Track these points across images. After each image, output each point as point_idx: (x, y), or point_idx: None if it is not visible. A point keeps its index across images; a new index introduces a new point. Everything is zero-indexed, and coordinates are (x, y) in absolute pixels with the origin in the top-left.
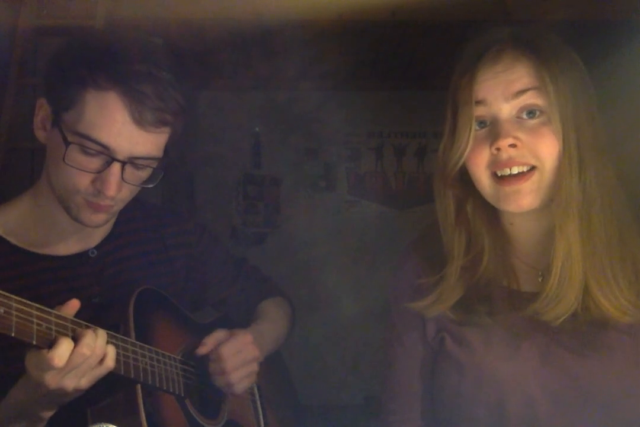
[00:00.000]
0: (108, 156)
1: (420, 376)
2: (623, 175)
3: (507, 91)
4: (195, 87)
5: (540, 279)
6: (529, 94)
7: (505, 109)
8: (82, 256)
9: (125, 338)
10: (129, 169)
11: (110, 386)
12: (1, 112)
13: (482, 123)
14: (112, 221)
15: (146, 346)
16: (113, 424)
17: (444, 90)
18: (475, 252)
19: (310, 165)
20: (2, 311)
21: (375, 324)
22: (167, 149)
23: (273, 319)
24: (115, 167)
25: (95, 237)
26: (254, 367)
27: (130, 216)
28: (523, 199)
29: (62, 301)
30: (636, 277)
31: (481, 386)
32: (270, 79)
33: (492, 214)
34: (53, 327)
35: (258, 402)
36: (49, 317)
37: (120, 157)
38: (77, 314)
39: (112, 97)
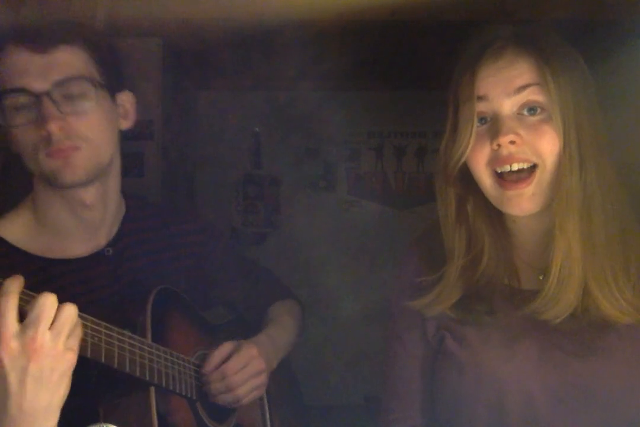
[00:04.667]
0: (33, 96)
1: (420, 375)
2: (625, 175)
3: (508, 87)
4: (195, 87)
5: (540, 278)
6: (530, 90)
7: (507, 105)
8: (98, 255)
9: (142, 339)
10: (61, 100)
11: (125, 387)
12: None
13: (483, 119)
14: (115, 215)
15: (162, 347)
16: (123, 424)
17: (444, 90)
18: (476, 251)
19: (310, 165)
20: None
21: (375, 324)
22: (103, 76)
23: (284, 324)
24: (44, 101)
25: (102, 236)
26: (261, 380)
27: (138, 215)
28: (525, 203)
29: (84, 303)
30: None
31: (481, 385)
32: (270, 79)
33: (493, 213)
34: None
35: (266, 407)
36: None
37: (40, 89)
38: (99, 313)
39: (9, 47)
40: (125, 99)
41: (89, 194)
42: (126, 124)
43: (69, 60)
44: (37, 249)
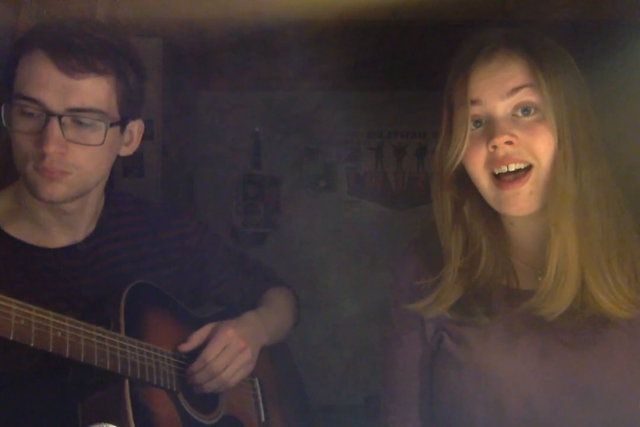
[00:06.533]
0: (44, 112)
1: (419, 376)
2: (622, 174)
3: (501, 89)
4: (195, 87)
5: (539, 278)
6: (523, 91)
7: (500, 107)
8: (70, 249)
9: (114, 333)
10: (70, 125)
11: (101, 381)
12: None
13: (477, 122)
14: (95, 213)
15: (136, 340)
16: (103, 418)
17: (444, 90)
18: (473, 253)
19: (310, 165)
20: None
21: (375, 324)
22: (121, 108)
23: (276, 306)
24: (52, 122)
25: (80, 231)
26: (245, 357)
27: (119, 211)
28: (523, 202)
29: (53, 292)
30: (635, 274)
31: (479, 385)
32: (270, 79)
33: (490, 214)
34: (32, 320)
35: (259, 397)
36: (29, 312)
37: (54, 109)
38: (69, 307)
39: (37, 53)
40: (135, 126)
41: (69, 206)
42: (126, 151)
43: (93, 91)
44: (15, 231)
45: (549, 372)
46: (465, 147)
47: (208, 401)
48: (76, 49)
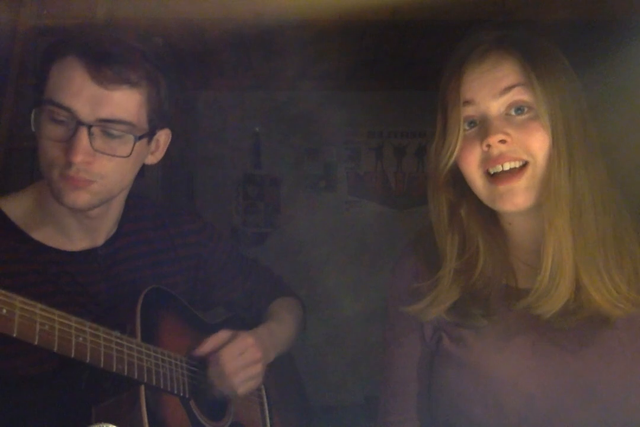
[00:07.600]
0: (74, 121)
1: (418, 376)
2: (622, 175)
3: (494, 89)
4: (195, 87)
5: (539, 278)
6: (516, 90)
7: (494, 107)
8: (89, 253)
9: (131, 338)
10: (99, 135)
11: (116, 386)
12: (1, 112)
13: (472, 123)
14: (117, 218)
15: (152, 346)
16: (116, 423)
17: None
18: (470, 254)
19: (310, 165)
20: (4, 311)
21: (375, 324)
22: (150, 119)
23: (283, 319)
24: (81, 131)
25: (101, 235)
26: (257, 369)
27: (138, 215)
28: (517, 197)
29: (68, 296)
30: (636, 274)
31: (478, 385)
32: (270, 79)
33: (488, 215)
34: (56, 326)
35: (265, 404)
36: (53, 317)
37: (84, 118)
38: (84, 311)
39: (71, 60)
40: (162, 135)
41: (92, 211)
42: (152, 160)
43: (124, 103)
44: (36, 233)
45: (549, 371)
46: (458, 147)
47: (217, 409)
48: (111, 59)
